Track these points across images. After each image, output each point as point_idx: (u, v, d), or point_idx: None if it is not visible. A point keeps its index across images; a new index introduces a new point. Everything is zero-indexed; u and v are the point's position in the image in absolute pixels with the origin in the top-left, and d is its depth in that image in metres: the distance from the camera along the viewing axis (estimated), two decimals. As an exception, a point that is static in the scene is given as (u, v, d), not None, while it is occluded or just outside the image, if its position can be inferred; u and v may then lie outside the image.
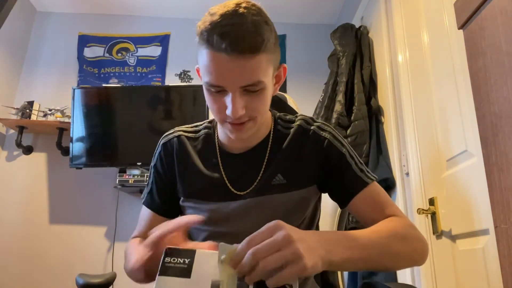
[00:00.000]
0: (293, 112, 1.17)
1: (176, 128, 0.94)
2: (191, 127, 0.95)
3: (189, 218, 0.64)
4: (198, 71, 0.81)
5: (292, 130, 0.88)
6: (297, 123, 0.89)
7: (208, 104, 0.77)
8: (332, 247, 0.58)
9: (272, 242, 0.51)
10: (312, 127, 0.87)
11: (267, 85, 0.74)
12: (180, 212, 0.93)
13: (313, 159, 0.85)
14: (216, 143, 0.89)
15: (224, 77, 0.70)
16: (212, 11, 0.70)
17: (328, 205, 1.05)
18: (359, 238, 0.65)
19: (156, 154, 0.92)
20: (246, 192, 0.84)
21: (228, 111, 0.71)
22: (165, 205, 0.90)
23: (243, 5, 0.69)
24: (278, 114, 0.93)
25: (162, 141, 0.93)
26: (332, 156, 0.84)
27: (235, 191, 0.85)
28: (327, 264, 0.56)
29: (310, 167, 0.85)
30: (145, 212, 0.92)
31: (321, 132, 0.86)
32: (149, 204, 0.91)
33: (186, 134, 0.92)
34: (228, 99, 0.71)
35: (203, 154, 0.89)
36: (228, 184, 0.85)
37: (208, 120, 0.95)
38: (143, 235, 0.87)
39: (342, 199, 0.84)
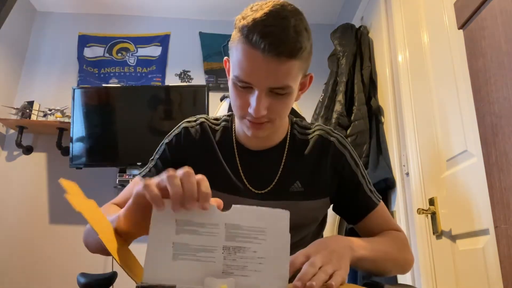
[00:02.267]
0: (293, 112, 1.17)
1: (198, 116, 0.93)
2: (213, 118, 0.94)
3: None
4: (225, 62, 0.81)
5: (311, 139, 0.88)
6: (317, 133, 0.89)
7: (231, 98, 0.78)
8: (355, 247, 0.67)
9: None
10: (332, 139, 0.88)
11: (293, 91, 0.74)
12: None
13: (330, 172, 0.86)
14: (233, 137, 0.89)
15: (255, 75, 0.70)
16: (254, 7, 0.70)
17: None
18: (371, 242, 0.73)
19: (174, 133, 0.90)
20: (262, 192, 0.84)
21: (251, 109, 0.72)
22: None
23: (288, 8, 0.69)
24: (294, 118, 0.94)
25: (184, 124, 0.91)
26: (346, 173, 0.86)
27: (251, 188, 0.84)
28: (352, 262, 0.65)
29: (326, 179, 0.86)
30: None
31: (340, 147, 0.87)
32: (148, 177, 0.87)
33: (208, 123, 0.91)
34: (253, 97, 0.71)
35: (221, 146, 0.88)
36: (245, 180, 0.85)
37: (227, 114, 0.95)
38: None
39: (351, 218, 0.88)
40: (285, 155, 0.87)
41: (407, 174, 1.77)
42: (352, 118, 2.04)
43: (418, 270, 1.60)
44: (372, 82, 2.16)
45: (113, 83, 2.87)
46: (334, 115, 2.08)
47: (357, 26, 2.42)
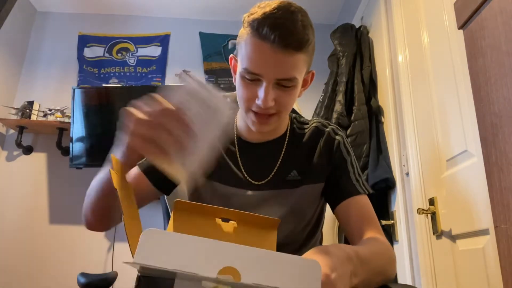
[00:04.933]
0: (294, 112, 1.17)
1: None
2: None
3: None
4: (231, 60, 0.84)
5: (308, 130, 0.93)
6: (314, 124, 0.94)
7: (238, 92, 0.80)
8: (355, 271, 0.56)
9: None
10: (327, 129, 0.92)
11: (298, 84, 0.77)
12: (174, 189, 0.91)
13: (324, 157, 0.89)
14: (235, 131, 0.93)
15: (263, 66, 0.72)
16: (262, 4, 0.73)
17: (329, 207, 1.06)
18: (367, 261, 0.63)
19: None
20: (261, 183, 0.87)
21: (259, 101, 0.74)
22: (162, 177, 0.81)
23: (294, 5, 0.73)
24: (293, 115, 0.98)
25: None
26: (336, 158, 0.89)
27: (249, 179, 0.87)
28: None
29: (321, 165, 0.89)
30: (134, 171, 0.85)
31: (335, 135, 0.92)
32: (144, 166, 0.85)
33: None
34: (261, 89, 0.74)
35: (223, 140, 0.91)
36: (244, 171, 0.88)
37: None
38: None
39: (332, 202, 0.88)
40: (284, 147, 0.90)
41: (407, 174, 1.77)
42: (352, 118, 2.04)
43: (418, 270, 1.60)
44: (372, 82, 2.16)
45: (113, 83, 2.87)
46: (334, 115, 2.08)
47: (357, 26, 2.42)
